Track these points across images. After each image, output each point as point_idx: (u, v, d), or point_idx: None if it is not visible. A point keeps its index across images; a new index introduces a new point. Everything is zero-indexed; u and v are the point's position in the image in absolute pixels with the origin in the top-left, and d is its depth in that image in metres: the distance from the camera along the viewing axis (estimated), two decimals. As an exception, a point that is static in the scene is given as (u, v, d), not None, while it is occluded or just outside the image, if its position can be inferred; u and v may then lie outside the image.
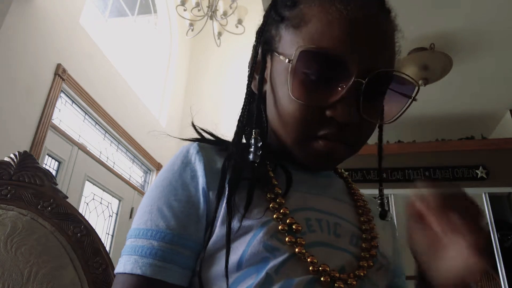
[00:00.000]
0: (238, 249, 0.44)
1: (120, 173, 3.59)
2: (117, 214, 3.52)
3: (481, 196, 3.59)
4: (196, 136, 0.55)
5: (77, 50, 2.95)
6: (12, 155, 0.75)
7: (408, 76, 0.48)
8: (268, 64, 0.53)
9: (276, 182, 0.49)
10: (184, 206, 0.47)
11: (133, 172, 3.86)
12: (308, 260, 0.43)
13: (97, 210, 3.28)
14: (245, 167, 0.47)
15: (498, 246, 3.43)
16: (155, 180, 0.51)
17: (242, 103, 0.52)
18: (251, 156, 0.47)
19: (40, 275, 0.63)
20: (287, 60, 0.47)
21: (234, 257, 0.44)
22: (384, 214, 0.57)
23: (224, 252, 0.44)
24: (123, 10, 3.89)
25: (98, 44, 3.21)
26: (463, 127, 3.92)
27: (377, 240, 0.51)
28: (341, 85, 0.45)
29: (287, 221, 0.45)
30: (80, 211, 0.81)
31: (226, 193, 0.45)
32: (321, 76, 0.46)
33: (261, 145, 0.48)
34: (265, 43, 0.53)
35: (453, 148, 3.72)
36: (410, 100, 0.49)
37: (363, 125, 0.47)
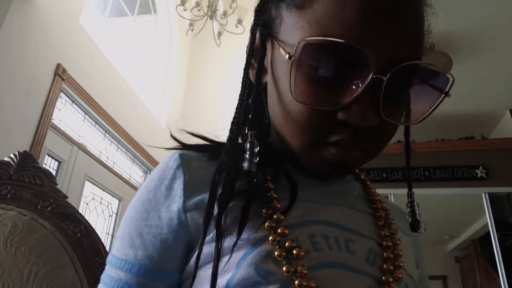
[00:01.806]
0: (226, 272, 0.36)
1: (120, 173, 3.59)
2: (117, 214, 3.52)
3: (481, 196, 3.60)
4: (194, 140, 0.48)
5: (77, 50, 2.95)
6: (12, 155, 0.75)
7: (441, 68, 0.38)
8: (268, 52, 0.44)
9: (275, 195, 0.40)
10: (155, 233, 0.40)
11: (133, 172, 3.86)
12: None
13: (97, 210, 3.28)
14: (239, 179, 0.39)
15: (498, 246, 3.42)
16: (135, 195, 0.46)
17: (238, 99, 0.42)
18: (245, 165, 0.38)
19: (40, 275, 0.63)
20: (287, 56, 0.38)
21: (221, 280, 0.36)
22: (416, 226, 0.47)
23: (209, 272, 0.36)
24: (123, 10, 3.89)
25: (98, 44, 3.21)
26: (463, 127, 3.92)
27: (402, 258, 0.42)
28: (356, 83, 0.36)
29: (286, 244, 0.37)
30: (80, 211, 0.81)
31: (216, 213, 0.37)
32: (331, 72, 0.37)
33: (258, 150, 0.39)
34: (263, 26, 0.44)
35: (453, 148, 3.72)
36: (443, 95, 0.39)
37: (382, 128, 0.39)
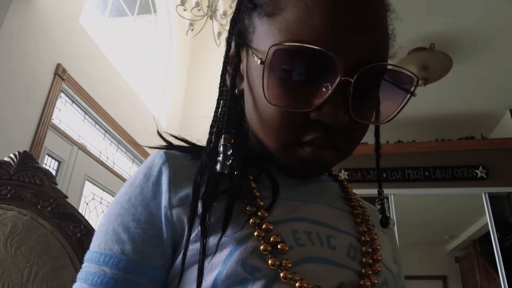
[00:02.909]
0: (213, 269, 0.37)
1: (120, 173, 3.59)
2: (117, 214, 3.52)
3: (481, 196, 3.60)
4: (173, 143, 0.49)
5: (77, 50, 2.95)
6: (12, 155, 0.75)
7: (405, 69, 0.41)
8: (244, 59, 0.46)
9: (258, 193, 0.42)
10: (143, 228, 0.40)
11: (133, 172, 3.86)
12: (297, 285, 0.36)
13: (97, 210, 3.28)
14: (221, 179, 0.40)
15: (498, 246, 3.43)
16: (116, 194, 0.46)
17: (216, 104, 0.45)
18: (218, 167, 0.39)
19: (40, 275, 0.63)
20: (259, 61, 0.40)
21: (208, 278, 0.37)
22: (385, 221, 0.49)
23: (196, 271, 0.37)
24: (123, 10, 3.89)
25: (98, 44, 3.21)
26: (463, 127, 3.92)
27: (380, 252, 0.44)
28: (326, 85, 0.38)
29: (271, 239, 0.38)
30: (80, 211, 0.81)
31: (200, 211, 0.38)
32: (301, 75, 0.39)
33: (231, 153, 0.41)
34: (238, 35, 0.46)
35: (452, 148, 3.72)
36: (409, 95, 0.41)
37: (353, 127, 0.41)
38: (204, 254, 0.37)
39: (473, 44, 2.97)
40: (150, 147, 0.49)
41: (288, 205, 0.43)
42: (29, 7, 2.49)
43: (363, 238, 0.45)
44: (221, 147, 0.41)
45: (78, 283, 0.40)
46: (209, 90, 4.66)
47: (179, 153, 0.46)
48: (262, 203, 0.41)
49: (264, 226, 0.39)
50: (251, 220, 0.39)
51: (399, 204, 3.51)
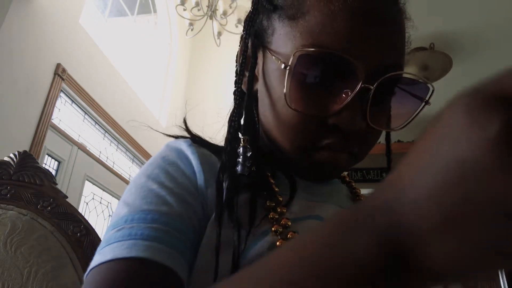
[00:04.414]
0: (229, 263, 0.36)
1: (120, 173, 3.59)
2: (117, 213, 3.53)
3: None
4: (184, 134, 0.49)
5: (77, 50, 2.95)
6: (11, 155, 0.75)
7: (423, 78, 0.42)
8: (260, 60, 0.46)
9: (277, 189, 0.42)
10: (182, 193, 0.39)
11: (133, 172, 3.86)
12: None
13: (97, 209, 3.28)
14: (242, 176, 0.41)
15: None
16: (142, 171, 0.43)
17: (233, 105, 0.45)
18: (239, 168, 0.40)
19: (39, 275, 0.63)
20: (283, 65, 0.40)
21: (224, 271, 0.36)
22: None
23: (213, 259, 0.36)
24: (123, 10, 3.89)
25: (98, 44, 3.21)
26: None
27: None
28: (346, 91, 0.39)
29: (288, 235, 0.38)
30: (79, 210, 0.81)
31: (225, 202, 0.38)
32: (323, 81, 0.40)
33: (251, 155, 0.41)
34: (255, 36, 0.46)
35: (453, 148, 3.72)
36: (423, 104, 0.42)
37: (369, 133, 0.42)
38: (218, 246, 0.36)
39: (473, 44, 2.97)
40: (168, 135, 0.49)
41: (303, 204, 0.44)
42: (29, 7, 2.49)
43: None
44: (241, 148, 0.41)
45: (114, 244, 0.35)
46: (209, 90, 4.66)
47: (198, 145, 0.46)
48: (281, 199, 0.41)
49: (282, 221, 0.39)
50: (270, 215, 0.39)
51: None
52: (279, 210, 0.40)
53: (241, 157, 0.41)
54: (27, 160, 0.75)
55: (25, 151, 0.77)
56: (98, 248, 0.36)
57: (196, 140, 0.46)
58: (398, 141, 3.98)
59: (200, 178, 0.41)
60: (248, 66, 0.46)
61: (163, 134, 0.50)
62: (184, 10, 3.22)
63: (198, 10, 3.22)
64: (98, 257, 0.35)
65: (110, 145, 3.53)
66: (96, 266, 0.34)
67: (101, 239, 0.38)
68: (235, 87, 0.47)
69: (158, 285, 0.33)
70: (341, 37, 0.38)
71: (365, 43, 0.38)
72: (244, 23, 0.48)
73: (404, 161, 0.20)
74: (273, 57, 0.42)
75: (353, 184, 0.55)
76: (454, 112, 0.17)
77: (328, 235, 0.21)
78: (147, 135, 3.80)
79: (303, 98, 0.40)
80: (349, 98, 0.38)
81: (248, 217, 0.38)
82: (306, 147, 0.42)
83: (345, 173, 0.58)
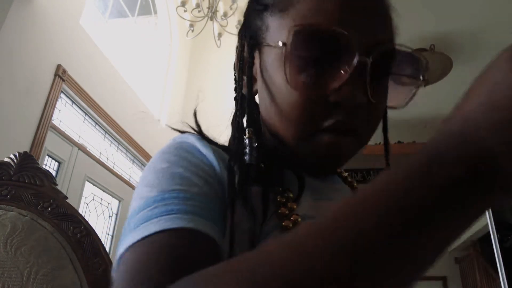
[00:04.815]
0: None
1: (120, 174, 3.59)
2: (117, 214, 3.52)
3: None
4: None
5: (77, 51, 2.95)
6: (12, 156, 0.75)
7: (417, 51, 0.42)
8: (257, 60, 0.47)
9: (287, 186, 0.43)
10: (206, 176, 0.39)
11: (133, 173, 3.86)
12: None
13: (97, 210, 3.28)
14: (251, 169, 0.41)
15: (498, 247, 3.42)
16: (152, 165, 0.41)
17: (235, 108, 0.46)
18: (247, 158, 0.41)
19: (39, 275, 0.63)
20: (280, 43, 0.40)
21: None
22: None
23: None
24: (123, 11, 3.90)
25: (98, 45, 3.21)
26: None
27: None
28: (344, 66, 0.39)
29: None
30: (80, 211, 0.81)
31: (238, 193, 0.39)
32: (320, 58, 0.40)
33: (257, 146, 0.42)
34: (250, 38, 0.47)
35: (453, 149, 3.72)
36: (421, 79, 0.43)
37: (371, 111, 0.42)
38: (233, 233, 0.36)
39: (473, 45, 2.97)
40: (174, 129, 0.49)
41: (311, 202, 0.44)
42: (29, 7, 2.49)
43: None
44: (247, 140, 0.42)
45: (148, 222, 0.34)
46: (209, 91, 4.66)
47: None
48: (291, 195, 0.42)
49: (292, 217, 0.39)
50: (280, 210, 0.40)
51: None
52: (289, 206, 0.40)
53: (247, 147, 0.41)
54: (27, 161, 0.75)
55: (25, 152, 0.77)
56: (127, 230, 0.35)
57: (204, 137, 0.46)
58: (398, 142, 3.98)
59: (217, 166, 0.41)
60: (246, 68, 0.46)
61: (170, 127, 0.50)
62: (185, 11, 3.22)
63: (199, 11, 3.22)
64: (136, 234, 0.33)
65: (111, 146, 3.53)
66: (138, 240, 0.33)
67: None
68: (235, 92, 0.48)
69: (210, 255, 0.33)
70: (333, 15, 0.40)
71: (357, 18, 0.40)
72: (238, 34, 0.49)
73: (466, 99, 0.24)
74: (270, 47, 0.43)
75: (355, 184, 0.56)
76: (500, 61, 0.22)
77: (408, 170, 0.23)
78: (147, 136, 3.80)
79: (302, 77, 0.40)
80: (348, 73, 0.39)
81: (262, 209, 0.38)
82: (309, 131, 0.42)
83: (346, 173, 0.57)
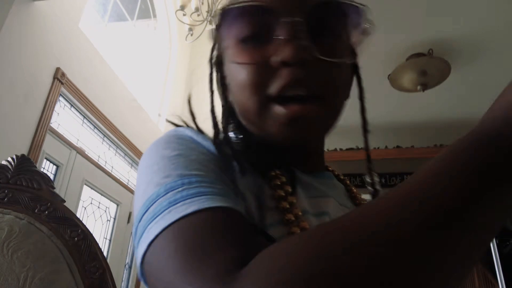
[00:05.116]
0: None
1: (119, 178, 3.58)
2: (115, 218, 3.51)
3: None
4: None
5: (76, 54, 2.95)
6: (9, 159, 0.75)
7: (355, 2, 0.42)
8: (223, 72, 0.49)
9: (284, 179, 0.42)
10: (216, 160, 0.39)
11: (132, 177, 3.85)
12: None
13: (95, 214, 3.27)
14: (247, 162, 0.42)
15: (497, 252, 3.42)
16: (147, 162, 0.40)
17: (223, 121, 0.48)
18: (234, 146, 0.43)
19: (36, 279, 0.63)
20: (215, 26, 0.44)
21: None
22: (375, 195, 0.51)
23: None
24: (122, 15, 3.90)
25: (98, 48, 3.22)
26: (461, 133, 3.92)
27: None
28: (280, 31, 0.40)
29: (300, 224, 0.38)
30: (77, 215, 0.81)
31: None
32: (257, 32, 0.42)
33: (239, 137, 0.45)
34: (217, 57, 0.52)
35: (451, 153, 3.73)
36: (366, 26, 0.43)
37: (325, 69, 0.41)
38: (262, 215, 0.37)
39: (472, 50, 2.99)
40: (169, 121, 0.52)
41: (306, 198, 0.44)
42: (29, 11, 2.50)
43: None
44: (224, 120, 0.46)
45: (171, 208, 0.32)
46: (208, 95, 4.66)
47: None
48: (290, 189, 0.41)
49: (294, 211, 0.39)
50: (281, 204, 0.39)
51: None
52: (289, 199, 0.40)
53: (223, 125, 0.45)
54: (25, 164, 0.75)
55: (23, 155, 0.76)
56: (151, 216, 0.33)
57: (200, 130, 0.47)
58: (397, 146, 3.99)
59: (216, 158, 0.40)
60: (218, 83, 0.50)
61: (169, 121, 0.52)
62: (184, 15, 3.23)
63: (198, 15, 3.23)
64: (171, 215, 0.31)
65: (109, 149, 3.53)
66: (177, 220, 0.31)
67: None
68: (212, 114, 0.49)
69: (254, 231, 0.33)
70: None
71: None
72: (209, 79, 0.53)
73: (502, 100, 0.29)
74: (224, 51, 0.46)
75: (348, 181, 0.56)
76: None
77: (470, 140, 0.28)
78: (146, 140, 3.80)
79: (245, 54, 0.42)
80: (283, 35, 0.39)
81: (258, 204, 0.38)
82: (263, 100, 0.41)
83: (339, 172, 0.57)
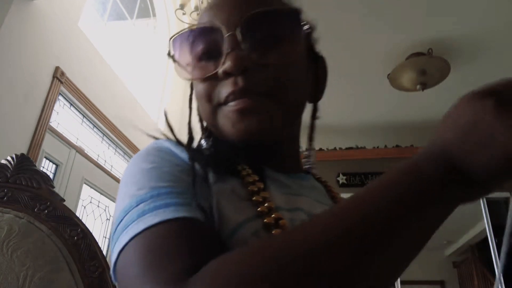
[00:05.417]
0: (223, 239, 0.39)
1: (118, 176, 3.58)
2: (114, 217, 3.51)
3: (479, 201, 3.60)
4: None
5: (75, 53, 2.95)
6: (9, 158, 0.75)
7: (287, 7, 0.48)
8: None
9: (256, 177, 0.45)
10: (189, 178, 0.42)
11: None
12: None
13: (94, 213, 3.27)
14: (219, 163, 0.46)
15: (496, 251, 3.43)
16: (133, 167, 0.44)
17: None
18: (208, 151, 0.48)
19: (36, 278, 0.63)
20: (169, 56, 0.50)
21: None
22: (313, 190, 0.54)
23: None
24: (122, 14, 3.90)
25: (97, 47, 3.21)
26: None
27: None
28: (222, 46, 0.45)
29: (273, 215, 0.41)
30: (77, 214, 0.81)
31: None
32: (205, 51, 0.47)
33: (211, 142, 0.50)
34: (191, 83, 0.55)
35: (451, 153, 3.72)
36: (303, 27, 0.48)
37: (271, 70, 0.45)
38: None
39: (471, 49, 2.99)
40: (149, 135, 0.55)
41: (284, 197, 0.47)
42: (28, 10, 2.49)
43: None
44: (204, 141, 0.51)
45: (144, 217, 0.36)
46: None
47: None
48: (262, 186, 0.44)
49: (267, 204, 0.42)
50: (254, 197, 0.42)
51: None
52: (262, 194, 0.43)
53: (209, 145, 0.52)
54: (25, 163, 0.75)
55: (22, 154, 0.76)
56: (123, 226, 0.37)
57: (178, 141, 0.49)
58: (397, 146, 3.98)
59: (188, 162, 0.44)
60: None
61: (150, 135, 0.55)
62: (184, 14, 3.23)
63: (197, 14, 3.23)
64: (138, 226, 0.35)
65: (108, 148, 3.53)
66: (142, 231, 0.34)
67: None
68: (188, 127, 0.54)
69: (212, 241, 0.36)
70: (202, 18, 0.49)
71: (221, 8, 0.47)
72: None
73: (441, 127, 0.32)
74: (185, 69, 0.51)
75: (327, 183, 0.60)
76: (464, 100, 0.32)
77: (401, 168, 0.32)
78: (145, 139, 3.78)
79: (198, 71, 0.48)
80: (225, 48, 0.44)
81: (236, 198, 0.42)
82: (215, 107, 0.47)
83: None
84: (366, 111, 3.69)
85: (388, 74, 3.19)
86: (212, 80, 0.46)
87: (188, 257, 0.32)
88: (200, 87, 0.48)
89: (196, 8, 3.20)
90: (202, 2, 3.15)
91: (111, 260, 0.37)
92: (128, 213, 0.37)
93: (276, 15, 0.47)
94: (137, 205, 0.37)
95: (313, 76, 0.54)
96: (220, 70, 0.45)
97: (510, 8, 2.58)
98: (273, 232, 0.40)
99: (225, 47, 0.44)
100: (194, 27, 0.48)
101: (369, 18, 2.66)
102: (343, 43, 2.88)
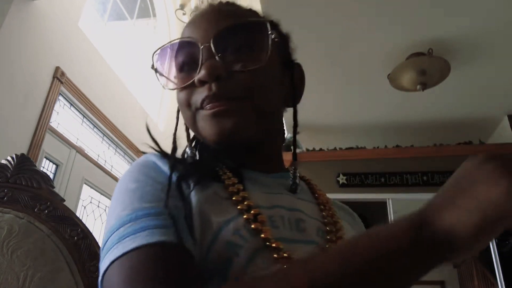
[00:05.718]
0: (204, 240, 0.42)
1: (118, 176, 3.58)
2: (114, 217, 3.51)
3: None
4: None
5: (76, 53, 2.95)
6: (9, 158, 0.75)
7: (254, 19, 0.54)
8: None
9: (236, 181, 0.49)
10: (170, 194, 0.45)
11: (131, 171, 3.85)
12: (273, 245, 0.42)
13: (95, 213, 3.27)
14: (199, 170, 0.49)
15: (496, 251, 3.43)
16: (116, 192, 0.47)
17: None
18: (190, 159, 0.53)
19: (36, 278, 0.63)
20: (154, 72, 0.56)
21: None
22: (295, 187, 0.56)
23: None
24: (122, 14, 3.90)
25: (97, 48, 3.21)
26: (461, 132, 3.92)
27: (342, 232, 0.52)
28: (198, 57, 0.50)
29: (252, 211, 0.44)
30: (77, 214, 0.81)
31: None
32: (180, 61, 0.53)
33: (195, 151, 0.55)
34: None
35: (451, 153, 3.72)
36: (271, 36, 0.51)
37: (240, 77, 0.49)
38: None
39: (471, 50, 2.99)
40: (141, 151, 0.57)
41: (262, 196, 0.49)
42: (28, 10, 2.49)
43: (327, 221, 0.52)
44: (188, 150, 0.55)
45: (126, 239, 0.38)
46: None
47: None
48: (241, 187, 0.48)
49: (246, 202, 0.45)
50: (233, 197, 0.46)
51: (397, 209, 3.50)
52: (241, 194, 0.46)
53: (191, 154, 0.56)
54: (25, 163, 0.75)
55: (22, 154, 0.76)
56: (106, 248, 0.40)
57: (164, 153, 0.53)
58: (397, 146, 3.99)
59: (173, 179, 0.47)
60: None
61: (139, 151, 0.59)
62: (184, 14, 3.23)
63: (197, 14, 3.22)
64: (116, 251, 0.38)
65: (108, 148, 3.53)
66: (119, 257, 0.37)
67: (98, 239, 0.39)
68: (173, 137, 0.57)
69: (184, 264, 0.38)
70: (183, 33, 0.54)
71: (197, 25, 0.53)
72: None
73: (438, 196, 0.34)
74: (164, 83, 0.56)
75: (310, 180, 0.63)
76: (468, 167, 0.33)
77: (376, 236, 0.33)
78: (145, 139, 3.79)
79: (179, 79, 0.53)
80: (200, 60, 0.49)
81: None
82: (194, 112, 0.52)
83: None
84: (366, 111, 3.69)
85: (388, 74, 3.19)
86: (191, 88, 0.51)
87: (164, 282, 0.35)
88: (180, 95, 0.53)
89: (196, 8, 3.20)
90: (202, 2, 3.15)
91: (99, 276, 0.40)
92: (111, 235, 0.40)
93: (245, 28, 0.52)
94: (117, 229, 0.40)
95: (289, 81, 0.59)
96: (196, 78, 0.49)
97: (510, 9, 2.58)
98: (252, 225, 0.43)
99: (201, 58, 0.49)
100: (174, 41, 0.53)
101: (369, 18, 2.66)
102: (343, 43, 2.88)
